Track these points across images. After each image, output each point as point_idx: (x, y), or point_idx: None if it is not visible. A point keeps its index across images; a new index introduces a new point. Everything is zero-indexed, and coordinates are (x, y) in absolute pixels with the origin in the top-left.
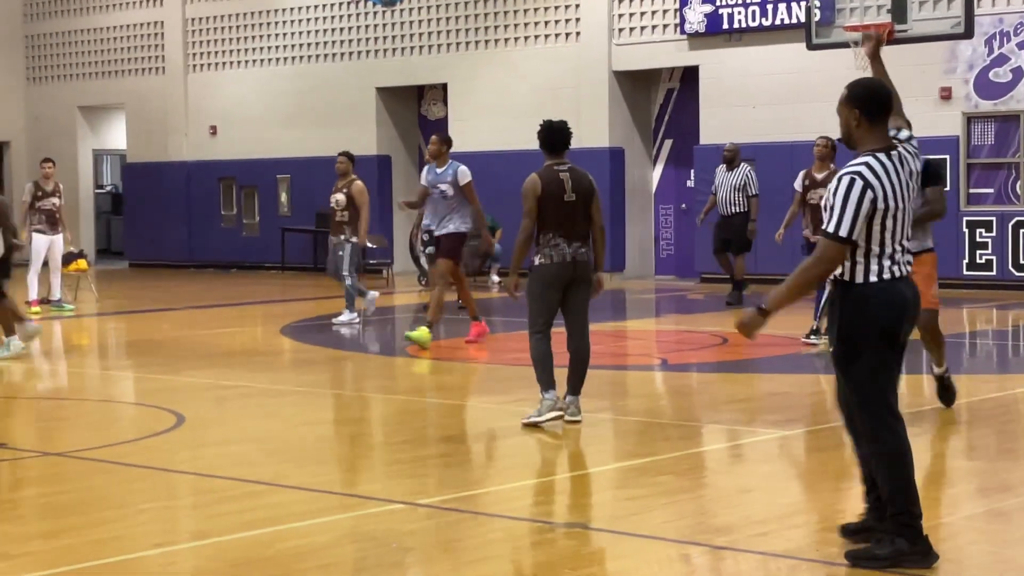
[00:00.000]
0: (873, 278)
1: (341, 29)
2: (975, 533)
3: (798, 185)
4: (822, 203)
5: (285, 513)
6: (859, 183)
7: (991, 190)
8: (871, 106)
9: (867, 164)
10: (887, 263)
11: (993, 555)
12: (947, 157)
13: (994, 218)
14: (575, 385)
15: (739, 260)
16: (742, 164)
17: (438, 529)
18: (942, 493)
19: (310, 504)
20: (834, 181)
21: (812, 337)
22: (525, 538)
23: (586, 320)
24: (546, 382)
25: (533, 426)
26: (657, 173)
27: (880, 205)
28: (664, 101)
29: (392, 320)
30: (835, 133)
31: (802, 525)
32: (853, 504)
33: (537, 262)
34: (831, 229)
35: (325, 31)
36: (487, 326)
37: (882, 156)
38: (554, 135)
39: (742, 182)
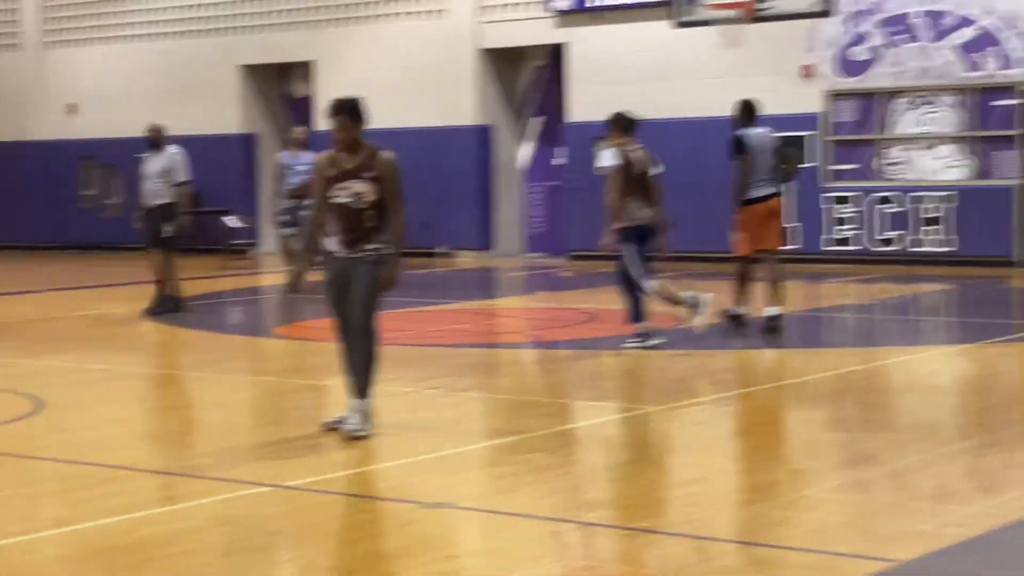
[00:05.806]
0: None
1: (204, 5)
2: (837, 504)
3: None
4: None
5: (149, 498)
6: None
7: (856, 165)
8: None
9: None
10: None
11: (855, 526)
12: (809, 134)
13: (855, 193)
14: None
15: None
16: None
17: (305, 511)
18: (806, 465)
19: (174, 489)
20: None
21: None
22: (393, 519)
23: None
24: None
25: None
26: (527, 151)
27: None
28: (532, 79)
29: (260, 300)
30: (703, 110)
31: (672, 499)
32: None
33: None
34: None
35: (188, 7)
36: None
37: None
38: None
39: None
